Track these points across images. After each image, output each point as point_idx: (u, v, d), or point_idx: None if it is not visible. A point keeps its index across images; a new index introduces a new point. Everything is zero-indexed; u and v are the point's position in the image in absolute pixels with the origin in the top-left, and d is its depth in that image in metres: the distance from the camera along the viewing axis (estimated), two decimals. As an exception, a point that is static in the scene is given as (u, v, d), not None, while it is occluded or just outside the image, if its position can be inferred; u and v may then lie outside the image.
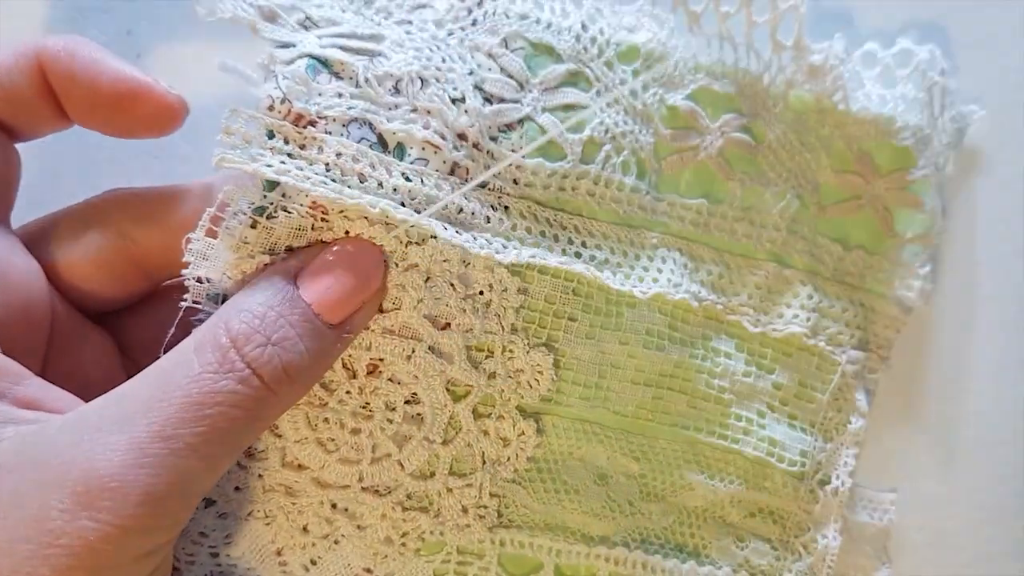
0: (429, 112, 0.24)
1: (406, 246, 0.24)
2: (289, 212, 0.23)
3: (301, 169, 0.23)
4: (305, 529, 0.27)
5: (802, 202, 0.29)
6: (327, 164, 0.23)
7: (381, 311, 0.25)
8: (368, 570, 0.28)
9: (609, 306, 0.28)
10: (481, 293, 0.26)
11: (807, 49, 0.28)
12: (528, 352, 0.27)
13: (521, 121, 0.26)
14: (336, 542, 0.27)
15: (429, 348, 0.26)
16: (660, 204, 0.28)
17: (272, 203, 0.23)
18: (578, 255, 0.27)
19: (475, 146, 0.25)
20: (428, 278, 0.25)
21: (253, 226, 0.23)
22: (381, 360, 0.26)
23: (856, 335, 0.30)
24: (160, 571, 0.23)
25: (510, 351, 0.27)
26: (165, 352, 0.24)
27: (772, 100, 0.29)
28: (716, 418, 0.29)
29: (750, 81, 0.28)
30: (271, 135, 0.23)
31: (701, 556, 0.30)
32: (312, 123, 0.23)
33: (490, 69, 0.26)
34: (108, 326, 0.28)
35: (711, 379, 0.29)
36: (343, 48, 0.24)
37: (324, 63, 0.24)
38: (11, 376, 0.22)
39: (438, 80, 0.25)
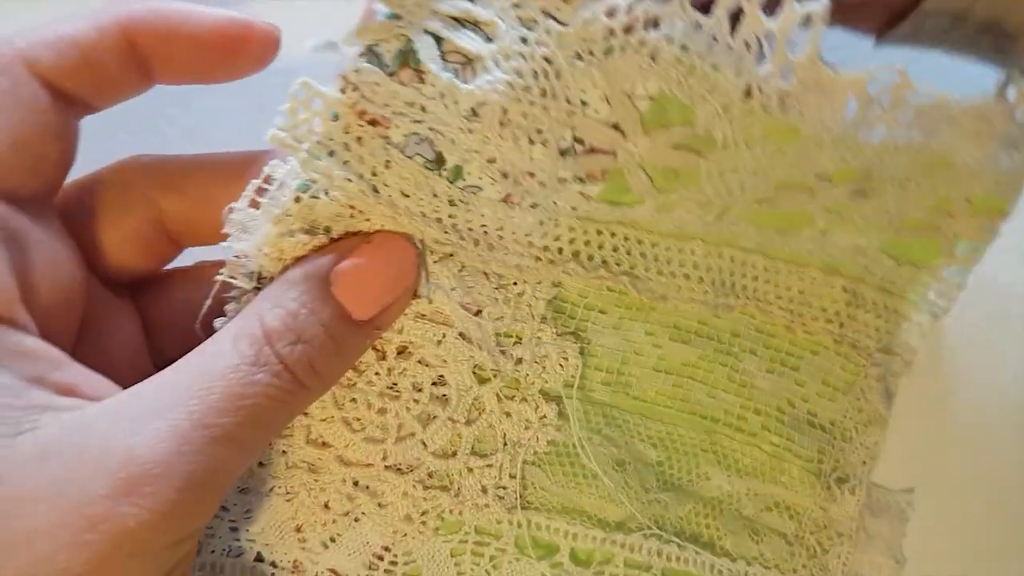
0: (499, 148, 0.24)
1: (444, 234, 0.26)
2: (331, 199, 0.24)
3: (348, 164, 0.24)
4: (326, 506, 0.29)
5: (879, 233, 0.30)
6: (374, 169, 0.24)
7: (415, 296, 0.27)
8: (387, 548, 0.30)
9: (642, 301, 0.29)
10: (515, 284, 0.28)
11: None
12: (556, 339, 0.29)
13: (606, 172, 0.26)
14: (356, 520, 0.30)
15: (459, 334, 0.28)
16: (744, 226, 0.29)
17: (316, 182, 0.24)
18: (619, 264, 0.28)
19: (541, 184, 0.25)
20: (462, 267, 0.27)
21: (296, 200, 0.24)
22: (411, 343, 0.28)
23: (884, 339, 0.32)
24: (189, 555, 0.24)
25: (538, 338, 0.29)
26: (200, 325, 0.26)
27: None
28: (735, 410, 0.31)
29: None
30: (336, 117, 0.23)
31: (716, 547, 0.32)
32: (374, 122, 0.24)
33: (597, 111, 0.25)
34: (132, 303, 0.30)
35: (733, 372, 0.31)
36: (447, 42, 0.23)
37: (414, 57, 0.23)
38: (49, 361, 0.24)
39: (525, 117, 0.24)
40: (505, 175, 0.25)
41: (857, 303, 0.31)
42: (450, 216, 0.25)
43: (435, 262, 0.27)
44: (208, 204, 0.28)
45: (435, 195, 0.25)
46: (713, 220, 0.28)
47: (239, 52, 0.26)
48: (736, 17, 0.22)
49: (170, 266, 0.31)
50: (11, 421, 0.22)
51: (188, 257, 0.31)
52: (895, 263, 0.31)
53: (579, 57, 0.23)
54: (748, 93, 0.23)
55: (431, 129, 0.24)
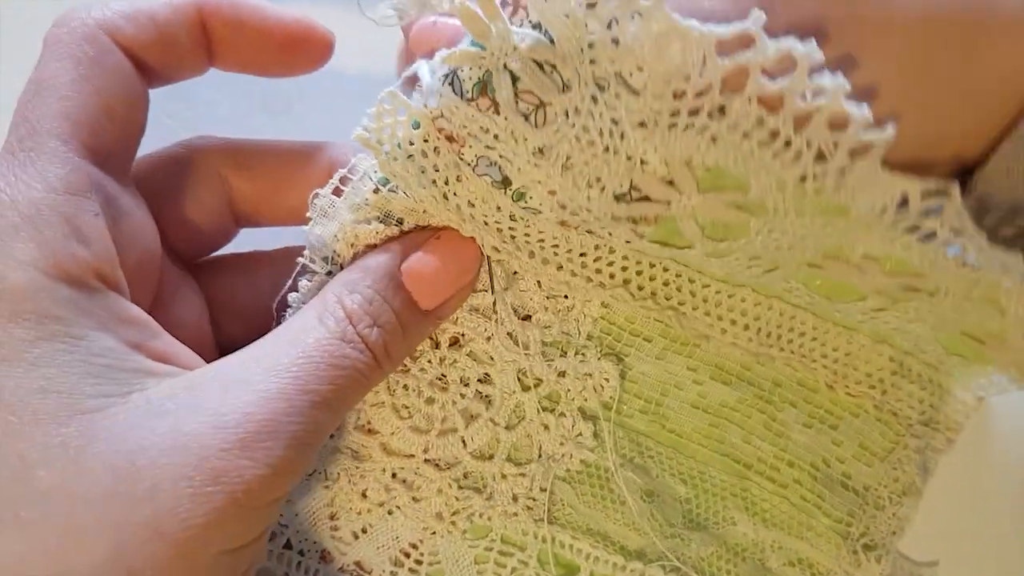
0: (560, 185, 0.26)
1: (503, 243, 0.28)
2: (407, 195, 0.27)
3: (423, 170, 0.26)
4: (364, 495, 0.31)
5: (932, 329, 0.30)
6: (446, 179, 0.26)
7: (475, 290, 0.29)
8: (414, 546, 0.32)
9: (687, 336, 0.30)
10: (565, 297, 0.29)
11: None
12: (599, 359, 0.30)
13: (657, 218, 0.26)
14: (390, 512, 0.31)
15: (508, 334, 0.29)
16: (795, 285, 0.29)
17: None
18: (668, 298, 0.30)
19: (596, 218, 0.26)
20: (516, 271, 0.29)
21: (375, 191, 0.27)
22: (463, 335, 0.30)
23: (927, 412, 0.33)
24: (276, 518, 0.26)
25: (582, 354, 0.30)
26: (277, 307, 0.29)
27: None
28: (769, 459, 0.32)
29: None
30: (417, 126, 0.25)
31: (734, 595, 0.32)
32: (450, 139, 0.25)
33: (655, 171, 0.25)
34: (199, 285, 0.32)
35: (771, 420, 0.32)
36: (522, 82, 0.24)
37: (492, 89, 0.24)
38: (148, 329, 0.25)
39: (586, 165, 0.25)
40: (563, 206, 0.26)
41: (903, 373, 0.32)
42: (510, 228, 0.27)
43: (493, 262, 0.29)
44: (277, 186, 0.31)
45: (498, 208, 0.27)
46: (763, 275, 0.28)
47: (298, 51, 0.29)
48: (800, 120, 0.23)
49: (224, 252, 0.34)
50: (120, 381, 0.24)
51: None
52: (945, 351, 0.31)
53: (643, 125, 0.24)
54: (803, 179, 0.24)
55: (501, 156, 0.25)
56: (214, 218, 0.31)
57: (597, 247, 0.28)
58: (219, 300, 0.32)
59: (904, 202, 0.24)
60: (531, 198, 0.26)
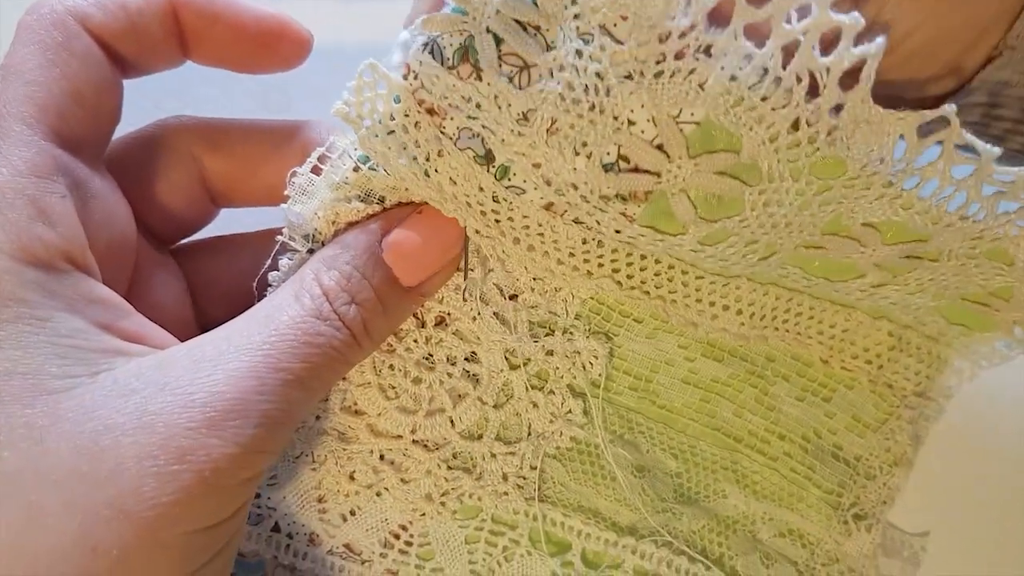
0: (544, 155, 0.25)
1: (486, 227, 0.27)
2: (387, 172, 0.26)
3: (404, 145, 0.25)
4: (352, 477, 0.31)
5: (934, 299, 0.30)
6: (427, 154, 0.25)
7: (458, 268, 0.28)
8: (404, 527, 0.32)
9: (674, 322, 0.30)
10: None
11: None
12: (587, 337, 0.30)
13: (649, 193, 0.25)
14: (379, 494, 0.31)
15: (494, 314, 0.29)
16: (791, 270, 0.29)
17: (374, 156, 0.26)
18: (657, 287, 0.29)
19: (583, 198, 0.26)
20: (503, 253, 0.28)
21: (355, 169, 0.26)
22: (449, 314, 0.29)
23: (923, 384, 0.33)
24: (250, 499, 0.26)
25: (570, 333, 0.30)
26: (257, 287, 0.28)
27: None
28: (760, 432, 0.32)
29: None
30: (398, 100, 0.25)
31: (726, 567, 0.32)
32: (431, 111, 0.25)
33: (643, 131, 0.24)
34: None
35: (762, 395, 0.32)
36: (505, 44, 0.24)
37: (474, 54, 0.24)
38: (118, 309, 0.25)
39: (572, 128, 0.24)
40: (548, 182, 0.26)
41: (901, 347, 0.32)
42: (493, 211, 0.27)
43: (475, 243, 0.28)
44: (251, 167, 0.30)
45: (481, 188, 0.26)
46: (759, 262, 0.28)
47: (271, 48, 0.28)
48: (789, 50, 0.22)
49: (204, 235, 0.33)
50: (87, 361, 0.23)
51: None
52: (946, 322, 0.31)
53: (629, 77, 0.23)
54: (795, 125, 0.23)
55: (483, 127, 0.25)
56: (189, 199, 0.31)
57: (585, 241, 0.27)
58: (201, 283, 0.32)
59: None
60: (515, 174, 0.26)
